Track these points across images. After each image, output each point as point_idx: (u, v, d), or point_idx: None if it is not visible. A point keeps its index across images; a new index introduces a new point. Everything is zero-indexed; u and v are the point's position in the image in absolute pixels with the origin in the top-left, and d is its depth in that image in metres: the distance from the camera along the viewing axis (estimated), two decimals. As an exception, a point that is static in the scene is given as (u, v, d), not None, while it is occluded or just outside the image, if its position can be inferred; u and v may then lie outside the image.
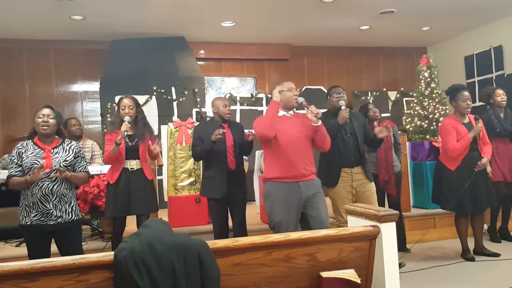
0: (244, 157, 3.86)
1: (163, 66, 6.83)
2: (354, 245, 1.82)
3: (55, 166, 2.71)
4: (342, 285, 1.73)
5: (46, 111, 2.81)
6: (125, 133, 3.37)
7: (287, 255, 1.72)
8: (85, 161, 2.96)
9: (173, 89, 6.82)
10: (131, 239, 1.57)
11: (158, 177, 5.17)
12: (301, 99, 3.17)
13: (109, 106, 6.38)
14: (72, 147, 2.89)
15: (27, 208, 2.74)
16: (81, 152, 2.93)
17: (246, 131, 3.66)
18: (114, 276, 1.51)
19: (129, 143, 3.50)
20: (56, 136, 2.87)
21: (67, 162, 2.79)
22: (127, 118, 3.44)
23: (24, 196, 2.77)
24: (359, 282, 1.74)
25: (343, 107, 3.47)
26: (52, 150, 2.78)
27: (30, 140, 2.82)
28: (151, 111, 6.60)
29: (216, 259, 1.59)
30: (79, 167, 2.88)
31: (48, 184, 2.71)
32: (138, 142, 3.53)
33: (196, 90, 6.90)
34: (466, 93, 3.89)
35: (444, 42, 8.19)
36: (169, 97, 6.77)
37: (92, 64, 7.16)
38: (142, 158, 3.55)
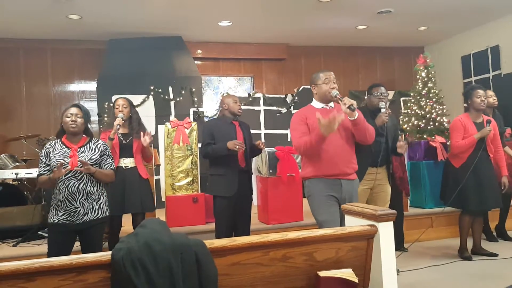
0: None
1: (160, 66, 6.83)
2: (351, 245, 1.82)
3: (80, 164, 2.73)
4: (339, 285, 1.73)
5: (74, 110, 2.82)
6: (118, 127, 3.41)
7: (284, 255, 1.72)
8: (112, 159, 2.97)
9: (170, 88, 6.81)
10: (128, 239, 1.57)
11: (155, 177, 5.16)
12: (334, 92, 2.87)
13: (106, 106, 6.37)
14: (99, 145, 2.90)
15: (56, 207, 2.78)
16: (108, 150, 2.95)
17: (258, 141, 3.67)
18: (111, 276, 1.50)
19: (123, 141, 3.53)
20: (83, 135, 2.89)
21: (92, 161, 2.81)
22: (120, 115, 3.49)
23: (54, 195, 2.81)
24: (357, 281, 1.75)
25: (383, 110, 3.30)
26: (79, 149, 2.80)
27: (59, 140, 2.85)
28: (148, 111, 6.60)
29: (214, 259, 1.59)
30: (105, 165, 2.89)
31: (74, 182, 2.73)
32: (132, 140, 3.55)
33: (193, 89, 6.90)
34: (481, 91, 3.92)
35: (441, 41, 8.21)
36: (166, 97, 6.76)
37: (89, 63, 7.15)
38: (136, 156, 3.57)
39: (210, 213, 4.23)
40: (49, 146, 2.83)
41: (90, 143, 2.89)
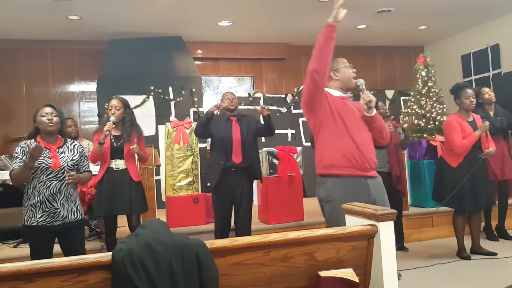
0: None
1: (160, 66, 6.82)
2: (352, 244, 1.82)
3: (62, 165, 2.73)
4: (340, 285, 1.73)
5: (48, 109, 2.80)
6: (107, 132, 3.39)
7: (285, 255, 1.71)
8: (88, 160, 3.00)
9: (170, 89, 6.81)
10: (128, 239, 1.57)
11: (156, 177, 5.16)
12: (360, 81, 2.62)
13: (106, 106, 6.35)
14: (76, 146, 2.90)
15: (32, 208, 2.71)
16: (84, 151, 2.95)
17: (258, 107, 3.72)
18: (112, 277, 1.50)
19: (115, 143, 3.52)
20: (59, 136, 2.86)
21: (74, 162, 2.81)
22: (112, 119, 3.47)
23: (28, 196, 2.74)
24: (357, 281, 1.74)
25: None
26: (58, 150, 2.79)
27: (33, 140, 2.77)
28: (148, 111, 6.60)
29: (214, 259, 1.59)
30: (83, 167, 2.90)
31: (56, 183, 2.72)
32: (123, 143, 3.53)
33: (194, 89, 6.90)
34: (470, 91, 3.92)
35: (441, 40, 8.20)
36: (166, 97, 6.76)
37: (89, 64, 7.14)
38: (127, 158, 3.55)
39: (210, 213, 4.24)
40: (25, 145, 2.73)
41: (67, 143, 2.87)
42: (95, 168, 3.52)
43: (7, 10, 5.56)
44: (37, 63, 7.03)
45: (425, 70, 5.92)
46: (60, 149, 2.80)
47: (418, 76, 5.98)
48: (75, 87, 7.24)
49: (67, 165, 2.75)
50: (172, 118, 6.42)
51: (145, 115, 6.49)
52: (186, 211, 4.62)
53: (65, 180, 2.73)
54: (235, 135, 3.66)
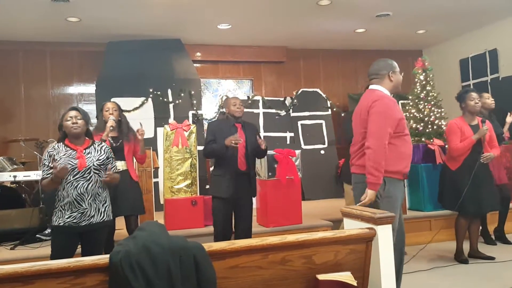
0: None
1: (159, 68, 6.82)
2: (350, 248, 1.82)
3: (89, 165, 2.76)
4: (338, 288, 1.73)
5: (73, 112, 2.84)
6: (111, 128, 3.42)
7: (283, 258, 1.71)
8: (115, 162, 3.02)
9: (169, 91, 6.80)
10: (126, 241, 1.57)
11: (154, 180, 5.15)
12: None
13: (101, 110, 6.35)
14: (103, 147, 2.92)
15: (62, 209, 2.76)
16: (111, 153, 2.98)
17: (258, 138, 3.66)
18: (109, 279, 1.50)
19: (113, 144, 3.51)
20: (86, 138, 2.91)
21: (100, 161, 2.83)
22: (112, 117, 3.50)
23: (59, 198, 2.80)
24: (356, 284, 1.74)
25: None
26: (84, 151, 2.82)
27: (61, 143, 2.85)
28: (147, 113, 6.60)
29: (212, 262, 1.58)
30: (111, 168, 2.91)
31: (83, 183, 2.74)
32: (122, 143, 3.55)
33: (193, 92, 6.90)
34: (474, 94, 3.96)
35: (440, 45, 8.23)
36: (165, 99, 6.76)
37: (88, 66, 7.14)
38: (127, 159, 3.57)
39: (209, 216, 4.22)
40: (52, 150, 2.83)
41: (94, 145, 2.91)
42: (120, 163, 3.51)
43: (6, 11, 5.56)
44: (36, 65, 7.02)
45: (424, 74, 5.93)
46: (86, 150, 2.84)
47: (416, 80, 5.99)
48: (74, 89, 7.24)
49: (93, 165, 2.78)
50: (171, 120, 6.42)
51: (144, 117, 6.47)
52: (184, 213, 4.60)
53: (91, 180, 2.76)
54: (241, 143, 3.61)
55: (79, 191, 2.73)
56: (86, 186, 2.75)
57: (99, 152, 2.87)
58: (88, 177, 2.76)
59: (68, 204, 2.74)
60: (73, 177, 2.73)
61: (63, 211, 2.76)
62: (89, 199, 2.76)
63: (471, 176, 3.78)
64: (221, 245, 1.64)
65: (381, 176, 2.58)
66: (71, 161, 2.74)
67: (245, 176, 3.68)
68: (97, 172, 2.80)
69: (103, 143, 3.01)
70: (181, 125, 4.91)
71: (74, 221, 2.74)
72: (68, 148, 2.81)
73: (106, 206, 2.86)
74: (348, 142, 3.40)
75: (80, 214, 2.74)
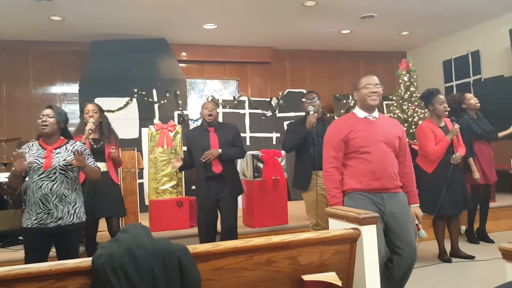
0: None
1: (144, 68, 6.77)
2: (335, 248, 1.83)
3: (54, 165, 2.71)
4: (323, 288, 1.73)
5: (47, 111, 2.82)
6: (90, 132, 3.39)
7: (268, 259, 1.71)
8: (92, 158, 2.96)
9: (154, 91, 6.75)
10: (109, 244, 1.54)
11: (139, 181, 5.10)
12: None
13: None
14: (76, 146, 2.86)
15: (29, 210, 2.73)
16: (87, 150, 2.93)
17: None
18: (92, 283, 1.48)
19: (94, 146, 3.49)
20: (61, 137, 2.87)
21: (67, 162, 2.76)
22: (91, 120, 3.46)
23: (27, 197, 2.77)
24: (340, 284, 1.75)
25: (311, 112, 3.57)
26: (54, 150, 2.78)
27: (37, 141, 2.84)
28: (131, 113, 6.53)
29: (197, 264, 1.57)
30: (85, 156, 2.85)
31: (47, 183, 2.70)
32: (103, 145, 3.52)
33: (178, 92, 6.85)
34: (442, 96, 3.98)
35: (423, 46, 8.34)
36: (150, 100, 6.70)
37: (71, 65, 7.04)
38: (108, 161, 3.54)
39: (194, 217, 4.21)
40: (25, 147, 2.81)
41: (67, 144, 2.85)
42: (101, 165, 3.46)
43: (-13, 9, 5.45)
44: (18, 64, 6.90)
45: (407, 75, 6.00)
46: (57, 149, 2.79)
47: (400, 81, 6.06)
48: (57, 89, 7.13)
49: (59, 165, 2.73)
50: (156, 120, 6.37)
51: (128, 117, 6.43)
52: (169, 214, 4.57)
53: (56, 180, 2.72)
54: (213, 146, 3.69)
55: (43, 192, 2.69)
56: (50, 187, 2.70)
57: (69, 152, 2.81)
58: (53, 178, 2.72)
59: (34, 204, 2.70)
60: (38, 176, 2.70)
61: (30, 212, 2.72)
62: (54, 200, 2.71)
63: (447, 177, 3.82)
64: (206, 247, 1.63)
65: (337, 196, 2.63)
66: (38, 160, 2.71)
67: (222, 178, 3.70)
68: (63, 173, 2.74)
69: (77, 143, 2.94)
70: (166, 125, 4.88)
71: (41, 222, 2.69)
72: (40, 147, 2.79)
73: (76, 208, 2.80)
74: None
75: (46, 215, 2.69)
